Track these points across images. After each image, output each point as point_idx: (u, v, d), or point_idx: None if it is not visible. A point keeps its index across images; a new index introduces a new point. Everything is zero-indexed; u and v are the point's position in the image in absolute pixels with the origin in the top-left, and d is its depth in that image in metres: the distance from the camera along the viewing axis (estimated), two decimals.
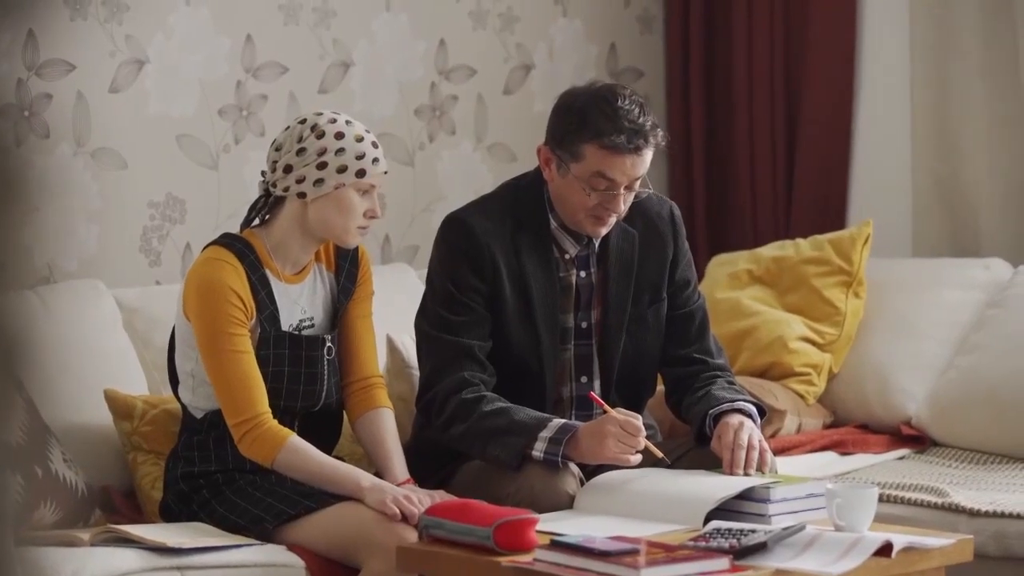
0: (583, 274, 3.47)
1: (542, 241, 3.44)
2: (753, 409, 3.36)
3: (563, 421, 3.27)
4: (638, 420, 3.20)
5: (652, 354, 3.53)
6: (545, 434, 3.23)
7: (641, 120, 3.31)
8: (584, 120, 3.32)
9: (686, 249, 3.59)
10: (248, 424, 3.28)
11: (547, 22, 5.01)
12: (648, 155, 3.34)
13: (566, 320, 3.46)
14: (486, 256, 3.40)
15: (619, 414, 3.21)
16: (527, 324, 3.42)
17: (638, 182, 3.36)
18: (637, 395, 3.54)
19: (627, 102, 3.32)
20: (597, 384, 3.49)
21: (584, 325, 3.48)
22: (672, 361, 3.55)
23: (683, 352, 3.54)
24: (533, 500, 3.17)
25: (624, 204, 3.36)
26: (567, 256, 3.46)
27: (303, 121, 3.36)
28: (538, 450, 3.22)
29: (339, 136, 3.33)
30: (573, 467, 3.27)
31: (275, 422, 3.30)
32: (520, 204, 3.46)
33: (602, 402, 3.34)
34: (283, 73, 4.44)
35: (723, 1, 5.21)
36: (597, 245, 3.48)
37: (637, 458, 3.20)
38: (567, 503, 3.22)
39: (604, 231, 3.41)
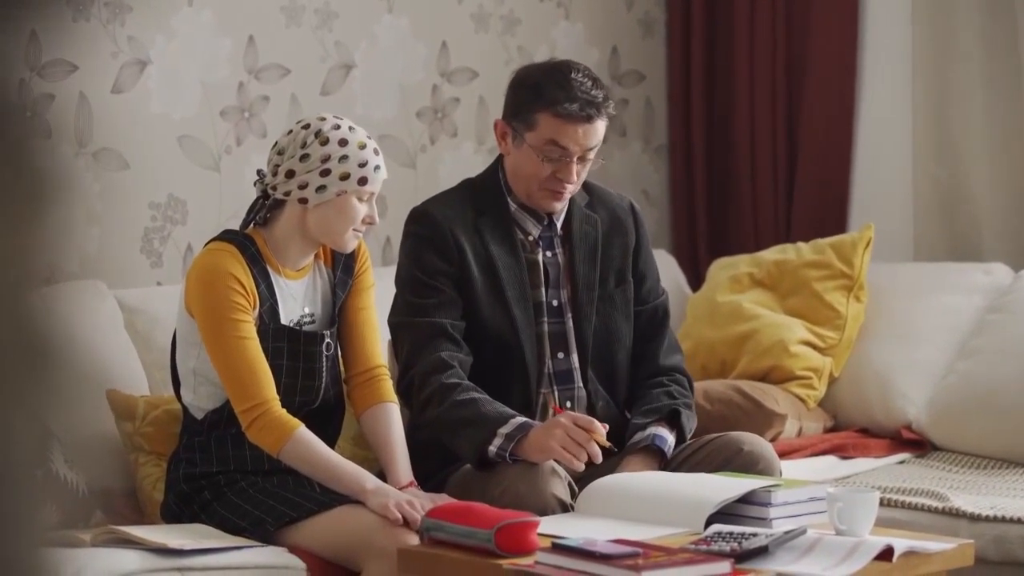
0: (549, 254, 3.56)
1: (504, 224, 3.52)
2: (664, 438, 3.42)
3: (523, 420, 3.29)
4: (592, 420, 3.22)
5: (622, 333, 3.59)
6: (504, 430, 3.26)
7: (594, 92, 3.42)
8: (539, 90, 3.43)
9: (647, 242, 3.68)
10: (257, 410, 3.27)
11: (549, 25, 5.01)
12: (600, 126, 3.45)
13: (537, 296, 3.53)
14: (449, 239, 3.47)
15: (575, 415, 3.24)
16: (498, 301, 3.48)
17: (590, 153, 3.45)
18: (612, 374, 3.57)
19: (580, 75, 3.44)
20: (575, 358, 3.54)
21: (555, 303, 3.55)
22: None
23: (637, 348, 3.61)
24: (518, 503, 3.16)
25: (576, 176, 3.45)
26: (531, 237, 3.55)
27: (307, 126, 3.35)
28: (495, 446, 3.25)
29: (343, 143, 3.33)
30: (560, 470, 3.27)
31: (284, 411, 3.29)
32: (478, 193, 3.56)
33: (560, 409, 3.37)
34: (285, 75, 4.44)
35: (725, 5, 5.21)
36: (560, 226, 3.56)
37: (580, 464, 3.19)
38: (553, 506, 3.22)
39: (559, 206, 3.51)
